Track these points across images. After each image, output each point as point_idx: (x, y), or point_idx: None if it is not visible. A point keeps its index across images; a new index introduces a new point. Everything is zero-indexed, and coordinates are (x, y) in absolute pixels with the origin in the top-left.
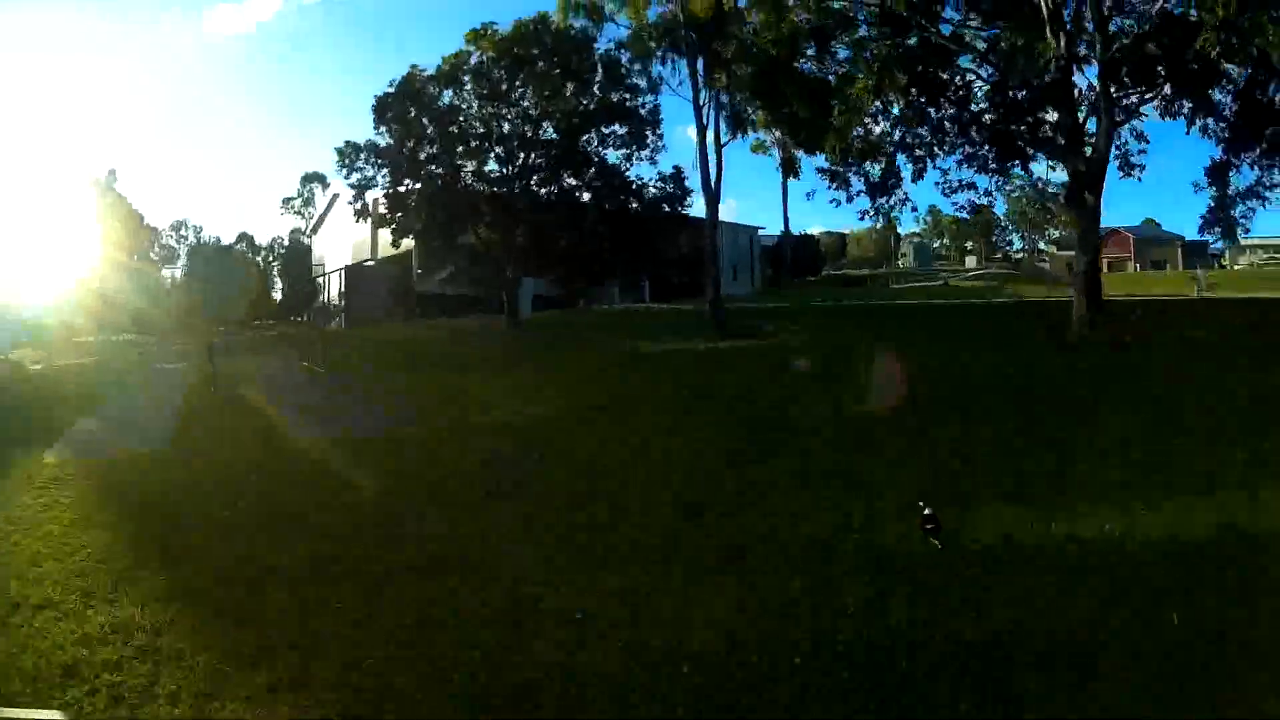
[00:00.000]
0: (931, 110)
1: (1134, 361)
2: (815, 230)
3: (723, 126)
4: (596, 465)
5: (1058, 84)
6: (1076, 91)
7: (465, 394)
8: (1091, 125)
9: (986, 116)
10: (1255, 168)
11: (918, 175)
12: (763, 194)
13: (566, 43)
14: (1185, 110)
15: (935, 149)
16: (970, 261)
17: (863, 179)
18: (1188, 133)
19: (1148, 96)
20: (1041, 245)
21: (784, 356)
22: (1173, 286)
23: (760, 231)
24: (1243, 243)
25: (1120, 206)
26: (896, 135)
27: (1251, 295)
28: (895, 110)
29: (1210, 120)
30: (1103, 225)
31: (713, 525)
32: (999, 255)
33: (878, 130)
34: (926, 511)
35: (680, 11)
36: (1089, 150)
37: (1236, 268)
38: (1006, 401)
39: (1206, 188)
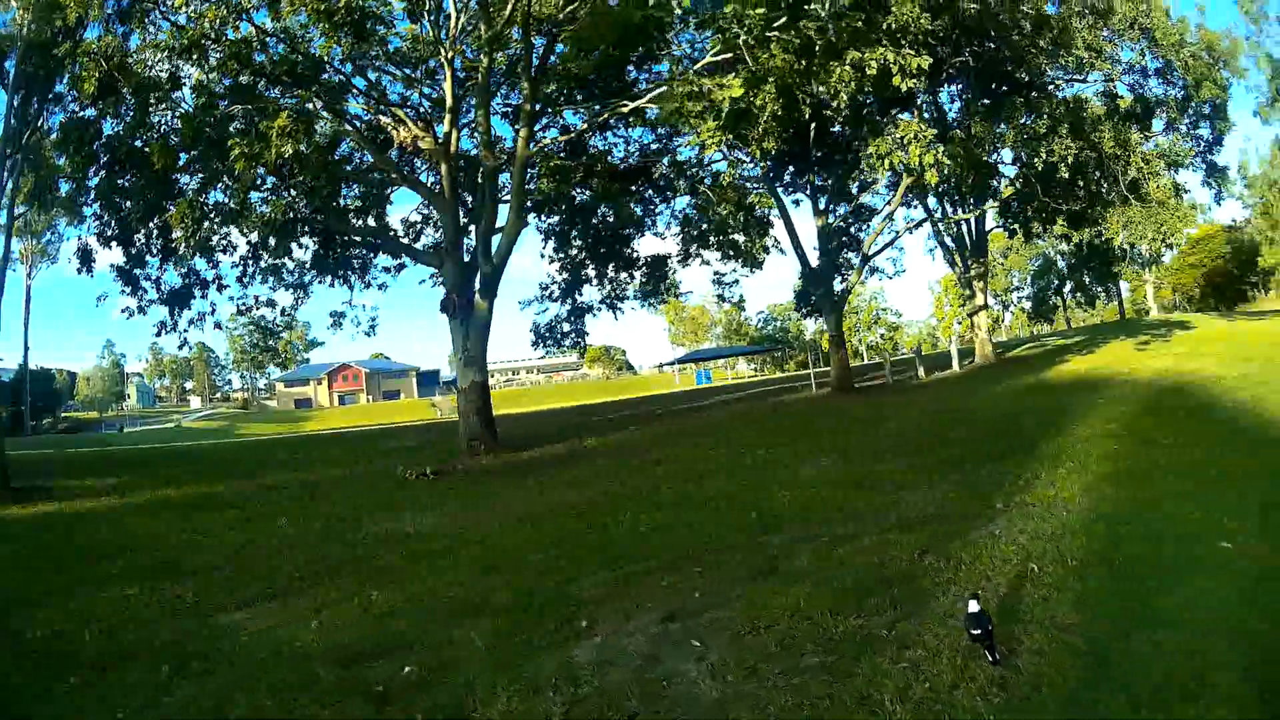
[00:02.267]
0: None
1: None
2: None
3: None
4: None
5: None
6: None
7: None
8: None
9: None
10: None
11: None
12: None
13: None
14: None
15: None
16: (195, 401)
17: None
18: None
19: None
20: (262, 383)
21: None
22: (416, 413)
23: None
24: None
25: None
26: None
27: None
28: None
29: None
30: (335, 360)
31: None
32: (219, 395)
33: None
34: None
35: None
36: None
37: None
38: None
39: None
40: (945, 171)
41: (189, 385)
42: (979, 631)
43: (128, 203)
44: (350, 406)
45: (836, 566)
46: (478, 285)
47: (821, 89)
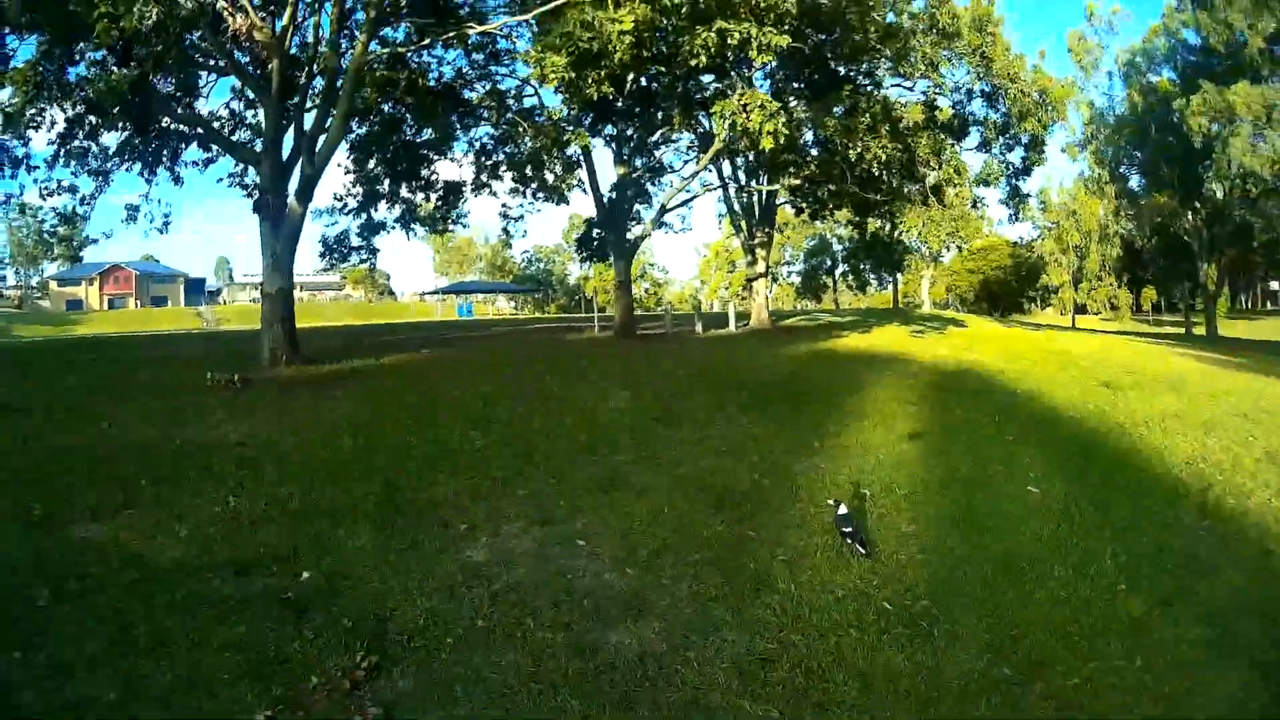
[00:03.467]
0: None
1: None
2: None
3: None
4: None
5: None
6: None
7: None
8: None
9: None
10: None
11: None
12: None
13: None
14: None
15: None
16: None
17: None
18: None
19: None
20: (35, 281)
21: None
22: (184, 322)
23: None
24: (240, 281)
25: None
26: None
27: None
28: None
29: None
30: (106, 260)
31: None
32: None
33: None
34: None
35: None
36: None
37: (235, 304)
38: None
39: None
40: (781, 141)
41: None
42: (850, 529)
43: None
44: (120, 311)
45: (682, 483)
46: (293, 187)
47: (681, 48)
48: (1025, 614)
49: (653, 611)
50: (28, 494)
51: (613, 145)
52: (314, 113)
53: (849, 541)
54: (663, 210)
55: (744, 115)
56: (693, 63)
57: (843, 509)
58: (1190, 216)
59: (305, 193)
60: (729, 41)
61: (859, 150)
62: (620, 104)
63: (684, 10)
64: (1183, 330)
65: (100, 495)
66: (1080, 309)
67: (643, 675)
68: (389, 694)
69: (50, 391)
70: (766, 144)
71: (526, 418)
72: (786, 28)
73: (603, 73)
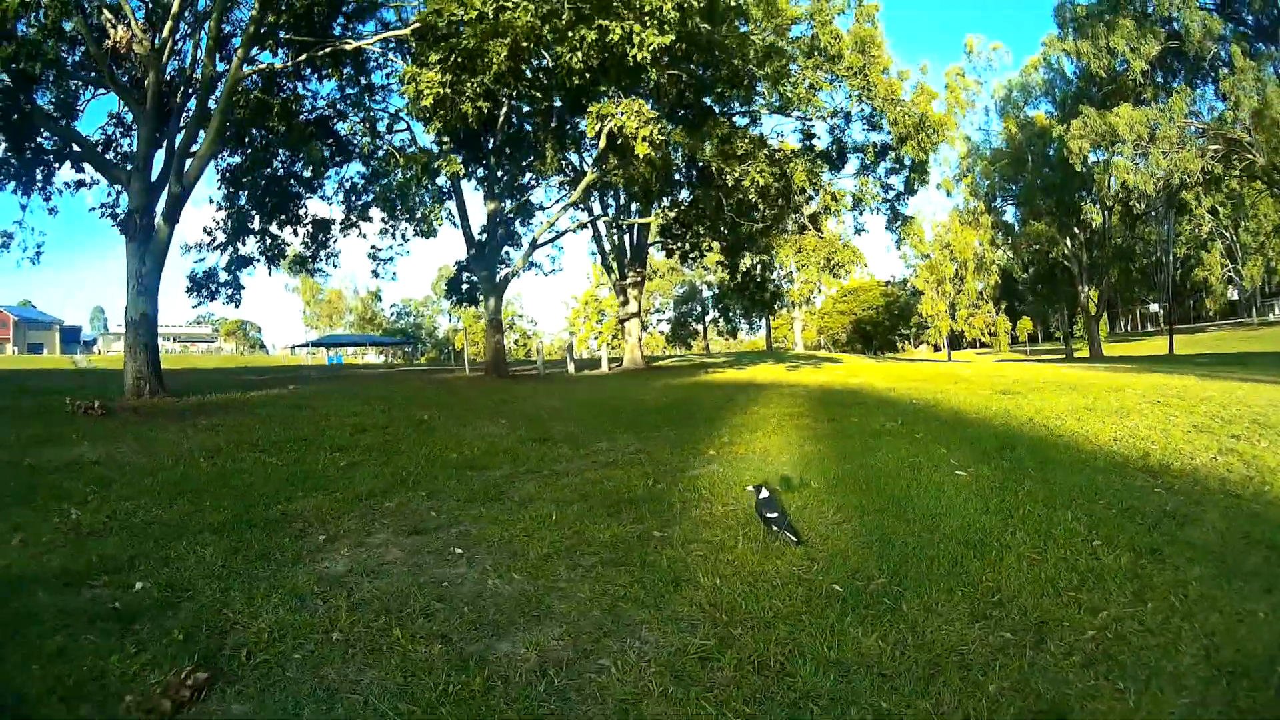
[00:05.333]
0: None
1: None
2: None
3: None
4: None
5: None
6: None
7: None
8: None
9: None
10: None
11: None
12: None
13: None
14: None
15: None
16: None
17: None
18: None
19: None
20: None
21: None
22: (55, 366)
23: None
24: (115, 330)
25: None
26: None
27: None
28: None
29: None
30: None
31: None
32: None
33: None
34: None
35: None
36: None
37: (111, 353)
38: None
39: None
40: (655, 150)
41: None
42: (775, 514)
43: None
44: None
45: (569, 492)
46: (161, 207)
47: (560, 49)
48: (1001, 579)
49: (550, 616)
50: None
51: (483, 185)
52: (185, 132)
53: (776, 529)
54: (533, 245)
55: (619, 117)
56: (571, 60)
57: (764, 493)
58: (1069, 242)
59: (173, 213)
60: (609, 39)
61: (736, 176)
62: (492, 142)
63: (564, 16)
64: (1063, 355)
65: None
66: (955, 343)
67: (548, 688)
68: (219, 716)
69: None
70: (641, 149)
71: (395, 443)
72: (667, 29)
73: (479, 87)
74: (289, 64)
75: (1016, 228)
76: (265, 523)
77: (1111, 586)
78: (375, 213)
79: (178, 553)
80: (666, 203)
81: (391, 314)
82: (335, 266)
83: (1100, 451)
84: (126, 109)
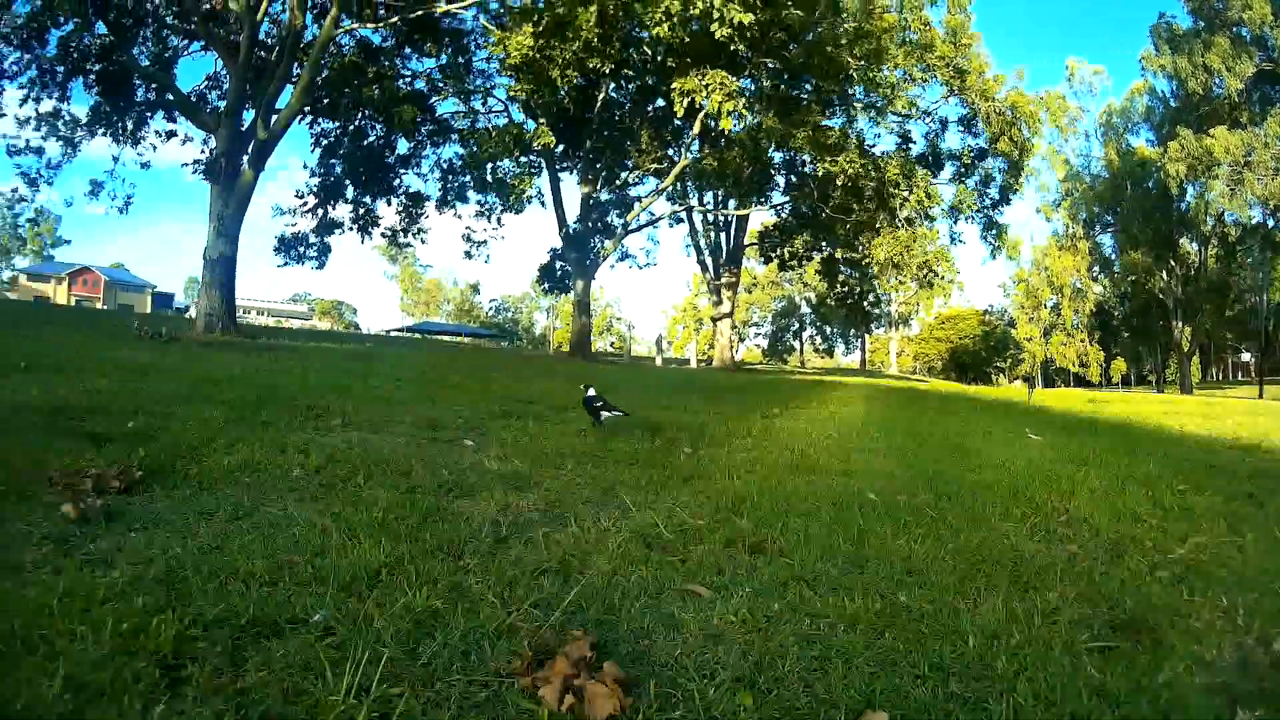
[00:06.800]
0: None
1: None
2: None
3: None
4: None
5: None
6: None
7: None
8: None
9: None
10: None
11: None
12: None
13: None
14: None
15: None
16: None
17: None
18: None
19: None
20: (6, 275)
21: None
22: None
23: None
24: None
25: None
26: None
27: None
28: None
29: None
30: (77, 261)
31: None
32: None
33: None
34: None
35: None
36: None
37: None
38: None
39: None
40: (742, 124)
41: None
42: (600, 403)
43: None
44: (87, 309)
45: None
46: (248, 154)
47: (646, 16)
48: (1071, 505)
49: (534, 488)
50: None
51: (579, 171)
52: (273, 85)
53: (602, 413)
54: (626, 229)
55: (704, 92)
56: (658, 31)
57: (591, 391)
58: (1165, 275)
59: (258, 160)
60: (691, 11)
61: (828, 166)
62: (587, 127)
63: None
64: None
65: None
66: (1049, 381)
67: (490, 531)
68: (137, 507)
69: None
70: (726, 124)
71: (453, 381)
72: (750, 7)
73: (569, 54)
74: (386, 36)
75: (1113, 257)
76: (287, 408)
77: (1202, 521)
78: (471, 195)
79: (182, 411)
80: (762, 200)
81: (490, 308)
82: (423, 242)
83: (1187, 436)
84: (222, 66)
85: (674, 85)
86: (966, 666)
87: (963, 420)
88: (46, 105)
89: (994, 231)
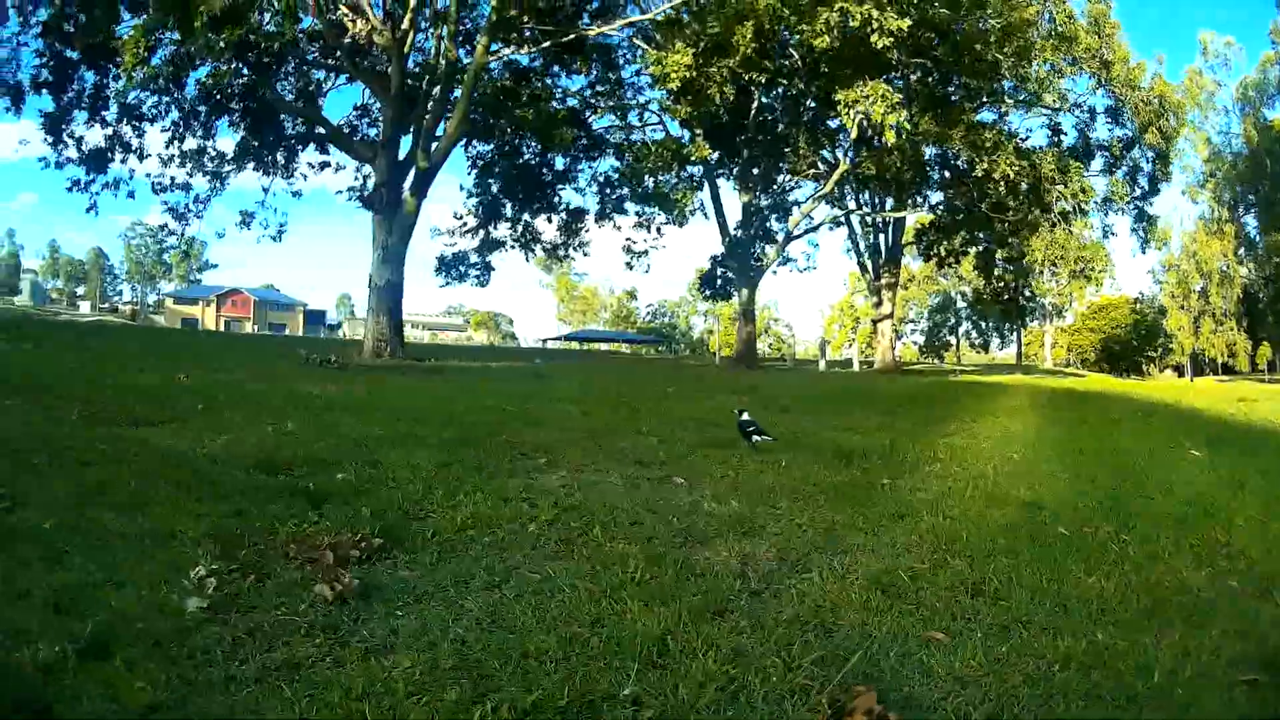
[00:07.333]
0: None
1: None
2: None
3: None
4: None
5: None
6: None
7: None
8: None
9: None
10: None
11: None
12: None
13: None
14: None
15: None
16: (85, 307)
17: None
18: None
19: None
20: (153, 298)
21: None
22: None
23: None
24: (361, 316)
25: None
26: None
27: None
28: None
29: None
30: (224, 284)
31: None
32: (106, 305)
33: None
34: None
35: None
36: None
37: (355, 336)
38: None
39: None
40: (904, 136)
41: (80, 290)
42: (753, 426)
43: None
44: (236, 333)
45: (803, 449)
46: (409, 182)
47: (804, 31)
48: (1233, 536)
49: (761, 534)
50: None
51: (737, 180)
52: (430, 115)
53: (754, 436)
54: (789, 238)
55: (866, 103)
56: (817, 42)
57: (745, 415)
58: None
59: (420, 187)
60: (850, 24)
61: (985, 166)
62: (743, 135)
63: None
64: None
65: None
66: (1198, 369)
67: (743, 586)
68: (384, 575)
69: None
70: (889, 137)
71: (632, 404)
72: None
73: (725, 71)
74: (535, 57)
75: (1259, 240)
76: (489, 446)
77: None
78: (629, 206)
79: (388, 458)
80: (919, 200)
81: (647, 314)
82: (585, 255)
83: None
84: (372, 97)
85: (838, 97)
86: (1153, 697)
87: (1125, 431)
88: (190, 143)
89: (1145, 223)
